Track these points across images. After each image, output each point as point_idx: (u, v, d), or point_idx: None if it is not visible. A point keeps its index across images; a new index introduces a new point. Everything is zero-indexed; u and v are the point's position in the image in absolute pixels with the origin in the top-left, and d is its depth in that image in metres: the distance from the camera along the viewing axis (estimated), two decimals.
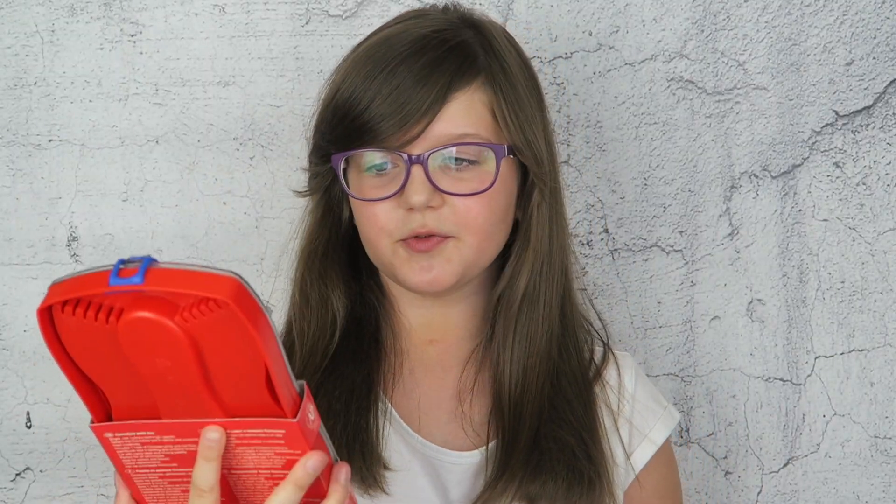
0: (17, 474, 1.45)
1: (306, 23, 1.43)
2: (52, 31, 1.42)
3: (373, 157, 1.11)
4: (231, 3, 1.42)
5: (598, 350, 1.21)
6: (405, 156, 1.09)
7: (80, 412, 1.44)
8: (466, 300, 1.18)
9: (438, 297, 1.16)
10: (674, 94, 1.46)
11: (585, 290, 1.25)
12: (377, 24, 1.44)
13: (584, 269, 1.45)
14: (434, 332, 1.18)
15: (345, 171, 1.14)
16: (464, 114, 1.11)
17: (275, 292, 1.45)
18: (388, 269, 1.14)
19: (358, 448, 1.12)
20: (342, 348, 1.17)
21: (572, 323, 1.19)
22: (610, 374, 1.19)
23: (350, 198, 1.15)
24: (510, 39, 1.18)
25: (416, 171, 1.09)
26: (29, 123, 1.42)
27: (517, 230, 1.17)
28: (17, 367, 1.44)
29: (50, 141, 1.43)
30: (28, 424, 1.45)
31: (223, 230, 1.42)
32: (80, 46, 1.42)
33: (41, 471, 1.45)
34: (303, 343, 1.17)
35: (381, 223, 1.11)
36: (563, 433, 1.13)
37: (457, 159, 1.10)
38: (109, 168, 1.43)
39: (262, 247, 1.44)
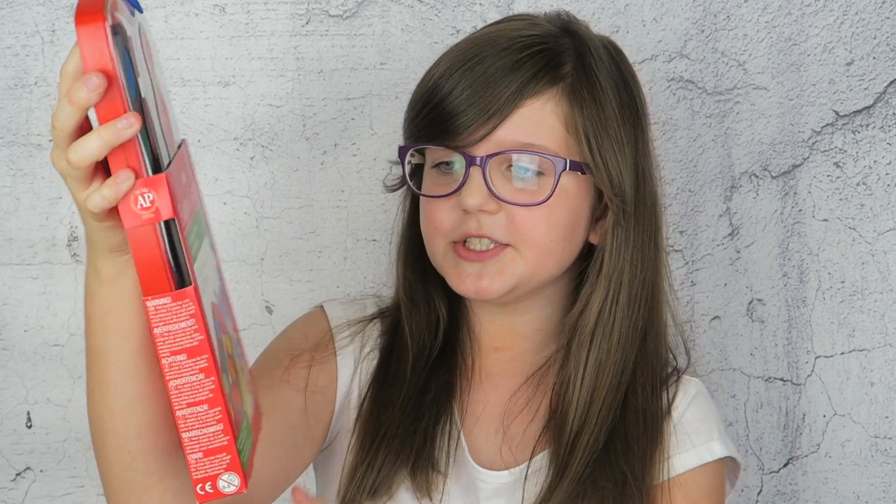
0: (17, 474, 1.45)
1: (306, 23, 1.43)
2: (53, 31, 1.42)
3: (439, 153, 1.11)
4: (231, 3, 1.42)
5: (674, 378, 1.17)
6: (465, 156, 1.08)
7: (80, 412, 1.44)
8: (534, 312, 1.16)
9: (504, 305, 1.14)
10: (674, 94, 1.46)
11: (683, 326, 1.21)
12: (377, 24, 1.44)
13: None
14: (500, 340, 1.17)
15: (420, 165, 1.13)
16: (533, 122, 1.09)
17: (275, 292, 1.45)
18: (441, 272, 1.13)
19: (425, 454, 1.11)
20: (440, 350, 1.17)
21: (654, 359, 1.15)
22: (668, 395, 1.15)
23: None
24: (616, 59, 1.15)
25: (475, 172, 1.08)
26: (29, 123, 1.42)
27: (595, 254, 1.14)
28: (17, 367, 1.44)
29: (50, 141, 1.42)
30: (28, 424, 1.45)
31: (223, 230, 1.42)
32: None
33: (41, 471, 1.45)
34: (413, 343, 1.16)
35: (436, 222, 1.10)
36: (611, 475, 1.09)
37: (520, 168, 1.09)
38: None
39: (262, 247, 1.44)
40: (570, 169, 1.09)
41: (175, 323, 0.83)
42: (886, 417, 1.48)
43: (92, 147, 0.80)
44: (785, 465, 1.49)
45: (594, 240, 1.14)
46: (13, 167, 1.43)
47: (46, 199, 1.43)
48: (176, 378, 0.84)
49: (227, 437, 0.85)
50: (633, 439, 1.11)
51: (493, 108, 1.08)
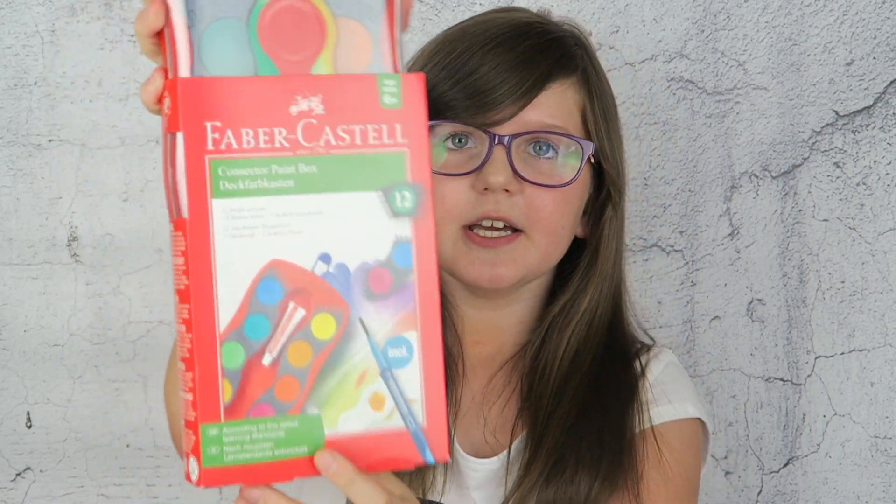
0: (17, 474, 1.45)
1: None
2: (53, 31, 1.42)
3: (453, 129, 1.09)
4: None
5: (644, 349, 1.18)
6: (490, 135, 1.07)
7: (80, 412, 1.44)
8: (517, 305, 1.16)
9: (492, 297, 1.14)
10: (674, 94, 1.46)
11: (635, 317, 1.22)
12: None
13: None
14: (481, 335, 1.16)
15: None
16: (556, 105, 1.09)
17: None
18: (446, 261, 1.11)
19: None
20: None
21: (622, 339, 1.17)
22: (641, 362, 1.16)
23: None
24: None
25: (499, 151, 1.07)
26: (29, 123, 1.42)
27: (582, 247, 1.15)
28: (17, 367, 1.44)
29: (50, 141, 1.43)
30: (28, 424, 1.45)
31: None
32: (80, 46, 1.42)
33: (41, 471, 1.45)
34: None
35: (448, 205, 1.08)
36: (587, 434, 1.10)
37: (541, 146, 1.08)
38: (109, 168, 1.43)
39: None
40: (593, 153, 1.10)
41: (175, 256, 0.73)
42: (886, 417, 1.48)
43: (138, 40, 0.75)
44: (785, 465, 1.49)
45: (580, 234, 1.16)
46: (13, 167, 1.43)
47: (46, 199, 1.43)
48: (176, 322, 0.74)
49: (194, 414, 0.72)
50: (607, 399, 1.12)
51: (521, 88, 1.07)
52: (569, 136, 1.09)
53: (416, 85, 0.75)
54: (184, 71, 0.71)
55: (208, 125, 0.70)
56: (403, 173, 0.75)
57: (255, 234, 0.71)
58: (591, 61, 1.14)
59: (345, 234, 0.73)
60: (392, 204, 0.75)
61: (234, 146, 0.71)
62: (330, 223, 0.73)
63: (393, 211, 0.74)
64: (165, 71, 0.72)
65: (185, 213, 0.70)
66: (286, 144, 0.72)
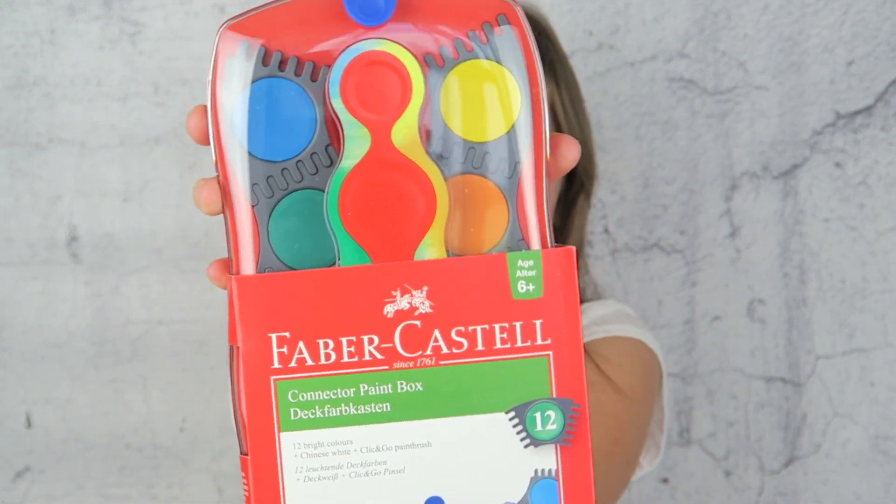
0: (16, 474, 1.45)
1: None
2: (52, 30, 1.42)
3: None
4: (231, 3, 1.42)
5: None
6: None
7: (79, 412, 1.44)
8: None
9: None
10: (674, 94, 1.46)
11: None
12: None
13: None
14: None
15: None
16: None
17: None
18: None
19: None
20: None
21: None
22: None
23: None
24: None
25: None
26: (28, 123, 1.42)
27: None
28: (17, 367, 1.44)
29: (50, 141, 1.43)
30: (28, 424, 1.45)
31: (223, 230, 1.42)
32: (79, 46, 1.42)
33: (41, 471, 1.45)
34: None
35: None
36: None
37: None
38: (109, 168, 1.43)
39: None
40: None
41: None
42: (887, 418, 1.48)
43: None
44: (786, 465, 1.49)
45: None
46: (13, 167, 1.43)
47: (46, 199, 1.43)
48: None
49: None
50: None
51: None
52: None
53: (563, 264, 0.55)
54: (247, 265, 0.57)
55: (273, 337, 0.54)
56: (545, 386, 0.55)
57: (338, 476, 0.54)
58: (555, 48, 1.11)
59: (463, 471, 0.54)
60: (529, 428, 0.55)
61: (309, 362, 0.54)
62: (442, 458, 0.54)
63: (531, 438, 0.55)
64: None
65: (246, 451, 0.54)
66: (379, 357, 0.54)
